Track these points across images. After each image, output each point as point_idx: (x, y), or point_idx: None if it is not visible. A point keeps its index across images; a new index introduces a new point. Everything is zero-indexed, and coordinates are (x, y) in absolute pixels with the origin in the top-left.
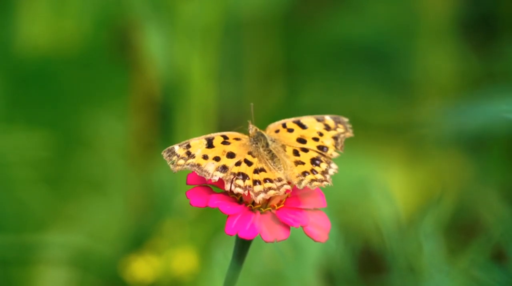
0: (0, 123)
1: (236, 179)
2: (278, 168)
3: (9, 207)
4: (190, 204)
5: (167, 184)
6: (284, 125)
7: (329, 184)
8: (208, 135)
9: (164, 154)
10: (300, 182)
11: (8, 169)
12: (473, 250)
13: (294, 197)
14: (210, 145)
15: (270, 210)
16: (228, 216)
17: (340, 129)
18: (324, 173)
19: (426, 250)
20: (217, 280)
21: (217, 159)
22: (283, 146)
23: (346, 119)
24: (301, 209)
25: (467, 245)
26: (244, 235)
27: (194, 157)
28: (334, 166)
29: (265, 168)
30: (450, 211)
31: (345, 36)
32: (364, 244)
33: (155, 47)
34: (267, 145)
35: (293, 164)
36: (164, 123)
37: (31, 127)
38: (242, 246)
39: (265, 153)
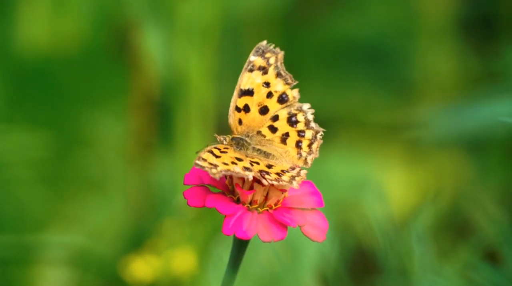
0: None
1: (265, 175)
2: (278, 161)
3: (9, 207)
4: (188, 204)
5: (166, 183)
6: (238, 109)
7: (321, 133)
8: (206, 149)
9: (199, 166)
10: (305, 161)
11: (8, 169)
12: (465, 250)
13: (291, 196)
14: (215, 155)
15: (267, 210)
16: (225, 216)
17: (272, 58)
18: (307, 124)
19: (417, 251)
20: (216, 280)
21: (234, 163)
22: (259, 133)
23: (264, 43)
24: (298, 209)
25: (460, 245)
26: (241, 235)
27: (218, 166)
28: (306, 107)
29: (271, 163)
30: (445, 211)
31: (344, 36)
32: (357, 244)
33: (154, 47)
34: (250, 144)
35: (283, 147)
36: (163, 123)
37: (30, 127)
38: (240, 246)
39: (256, 153)
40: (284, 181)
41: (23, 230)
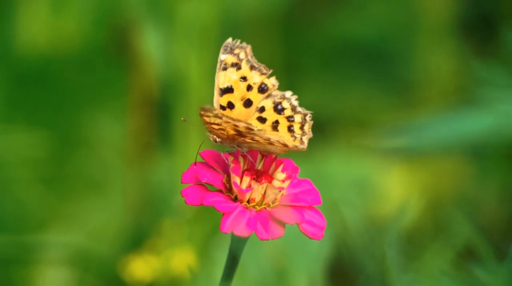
0: None
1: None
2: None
3: (9, 207)
4: (185, 203)
5: (166, 183)
6: (222, 108)
7: (310, 115)
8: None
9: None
10: (301, 141)
11: (7, 169)
12: (449, 249)
13: (289, 194)
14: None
15: (265, 208)
16: (223, 214)
17: (241, 53)
18: (294, 109)
19: (392, 252)
20: (215, 279)
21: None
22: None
23: (230, 41)
24: (296, 207)
25: (446, 244)
26: (239, 233)
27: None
28: (288, 94)
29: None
30: (443, 212)
31: (344, 36)
32: (341, 245)
33: (154, 46)
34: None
35: (276, 134)
36: (162, 123)
37: (30, 127)
38: (238, 244)
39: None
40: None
41: (23, 230)
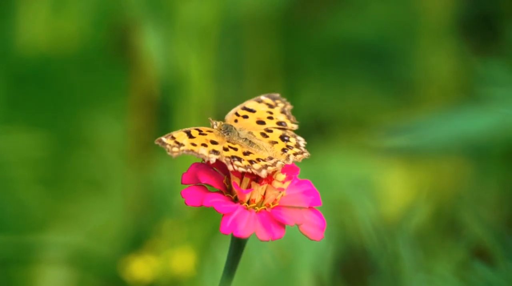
0: None
1: (234, 161)
2: (260, 152)
3: (9, 207)
4: (185, 204)
5: (166, 183)
6: (237, 114)
7: (308, 155)
8: (184, 129)
9: (159, 144)
10: (287, 158)
11: (8, 169)
12: (458, 249)
13: (289, 195)
14: (190, 136)
15: (265, 209)
16: (223, 215)
17: (280, 104)
18: (297, 146)
19: (406, 251)
20: (215, 279)
21: (204, 145)
22: (250, 132)
23: (278, 95)
24: (296, 208)
25: (453, 244)
26: (239, 234)
27: (184, 145)
28: (300, 138)
29: (251, 151)
30: (443, 212)
31: (344, 36)
32: (351, 244)
33: (154, 46)
34: (239, 134)
35: (270, 145)
36: (162, 123)
37: (30, 127)
38: (237, 245)
39: (241, 140)
40: (254, 169)
41: (23, 230)
